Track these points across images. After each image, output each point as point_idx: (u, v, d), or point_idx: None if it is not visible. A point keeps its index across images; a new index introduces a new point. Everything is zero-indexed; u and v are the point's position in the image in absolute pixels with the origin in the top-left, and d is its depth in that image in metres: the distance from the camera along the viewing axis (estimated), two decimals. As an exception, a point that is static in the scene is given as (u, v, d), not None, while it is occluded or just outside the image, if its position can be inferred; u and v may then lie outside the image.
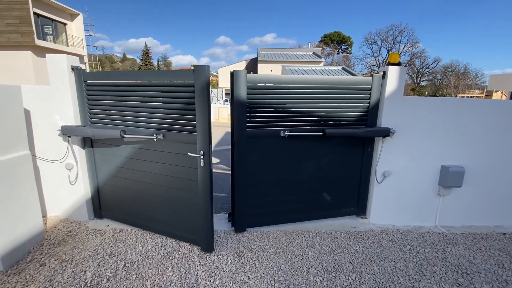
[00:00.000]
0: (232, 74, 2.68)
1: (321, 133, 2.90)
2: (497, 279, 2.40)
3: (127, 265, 2.43)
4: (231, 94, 2.73)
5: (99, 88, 2.85)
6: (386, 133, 2.98)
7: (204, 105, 2.33)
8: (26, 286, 2.14)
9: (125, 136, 2.66)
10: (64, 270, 2.35)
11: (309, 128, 2.99)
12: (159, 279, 2.27)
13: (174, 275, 2.32)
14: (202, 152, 2.40)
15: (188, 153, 2.43)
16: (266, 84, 2.83)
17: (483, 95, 23.07)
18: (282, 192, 3.13)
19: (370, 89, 3.02)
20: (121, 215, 3.11)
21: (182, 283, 2.23)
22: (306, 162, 3.10)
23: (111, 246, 2.71)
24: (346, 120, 3.07)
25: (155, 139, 2.56)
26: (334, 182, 3.26)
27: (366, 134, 3.00)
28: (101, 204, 3.21)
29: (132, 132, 2.70)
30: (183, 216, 2.75)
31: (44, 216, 3.18)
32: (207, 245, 2.64)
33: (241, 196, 2.97)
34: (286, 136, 2.89)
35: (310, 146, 3.05)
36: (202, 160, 2.41)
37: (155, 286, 2.19)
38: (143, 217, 2.97)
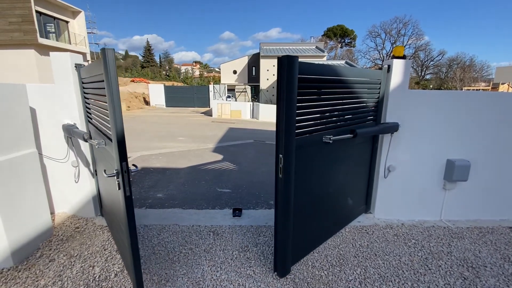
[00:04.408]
0: (281, 61, 1.92)
1: (351, 135, 2.54)
2: (503, 273, 2.39)
3: (134, 260, 2.47)
4: (278, 89, 1.99)
5: (86, 86, 2.75)
6: (396, 128, 2.96)
7: (111, 104, 1.67)
8: (36, 281, 2.18)
9: (87, 140, 2.42)
10: (73, 265, 2.39)
11: (340, 130, 2.59)
12: (166, 273, 2.30)
13: (181, 270, 2.35)
14: (115, 170, 1.78)
15: (104, 171, 1.90)
16: (315, 77, 2.26)
17: (489, 87, 22.72)
18: (322, 208, 2.69)
19: (380, 83, 2.97)
20: (105, 217, 3.10)
21: (188, 278, 2.27)
22: (339, 168, 2.75)
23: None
24: (361, 116, 2.89)
25: (96, 146, 2.19)
26: (354, 184, 3.10)
27: (384, 131, 2.94)
28: (101, 203, 3.25)
29: (94, 134, 2.37)
30: (123, 245, 2.22)
31: (52, 212, 3.23)
32: None
33: (288, 226, 2.23)
34: (331, 141, 2.39)
35: (341, 149, 2.70)
36: (116, 182, 1.80)
37: (162, 280, 2.22)
38: (109, 226, 2.79)
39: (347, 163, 2.87)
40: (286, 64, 1.90)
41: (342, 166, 2.80)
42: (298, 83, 1.99)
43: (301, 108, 2.15)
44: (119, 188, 1.80)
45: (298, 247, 2.43)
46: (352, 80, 2.60)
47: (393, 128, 2.95)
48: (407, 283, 2.24)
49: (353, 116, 2.78)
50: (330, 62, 16.98)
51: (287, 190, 2.12)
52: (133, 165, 1.91)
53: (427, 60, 42.45)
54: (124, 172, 1.74)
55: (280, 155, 2.05)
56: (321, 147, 2.43)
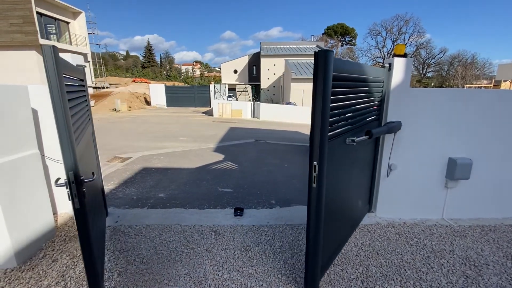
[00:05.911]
0: (317, 57, 1.72)
1: (367, 136, 2.45)
2: (505, 271, 2.38)
3: (137, 260, 2.48)
4: (314, 87, 1.79)
5: None
6: (399, 127, 2.95)
7: (53, 105, 1.50)
8: (39, 282, 2.20)
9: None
10: (76, 265, 2.40)
11: (357, 130, 2.50)
12: (168, 273, 2.31)
13: (183, 269, 2.36)
14: (64, 179, 1.58)
15: (56, 180, 1.70)
16: (346, 75, 2.12)
17: (491, 85, 22.60)
18: (342, 213, 2.60)
19: (383, 81, 2.95)
20: None
21: (190, 277, 2.27)
22: (354, 170, 2.69)
23: (121, 242, 2.76)
24: (369, 116, 2.85)
25: None
26: (362, 185, 3.07)
27: (391, 130, 2.91)
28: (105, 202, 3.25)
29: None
30: None
31: (55, 213, 3.25)
32: None
33: (319, 241, 2.05)
34: (354, 144, 2.32)
35: (357, 151, 2.63)
36: (66, 192, 1.58)
37: (165, 280, 2.23)
38: None
39: (359, 164, 2.83)
40: (323, 59, 1.71)
41: (356, 168, 2.75)
42: (333, 81, 1.81)
43: (333, 109, 1.98)
44: (69, 199, 1.59)
45: (324, 260, 2.27)
46: (369, 79, 2.56)
47: (397, 127, 2.94)
48: (409, 282, 2.24)
49: (364, 116, 2.73)
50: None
51: (320, 201, 1.94)
52: (92, 173, 1.77)
53: (428, 58, 42.34)
54: (72, 182, 1.55)
55: (315, 163, 1.85)
56: (343, 149, 2.34)
